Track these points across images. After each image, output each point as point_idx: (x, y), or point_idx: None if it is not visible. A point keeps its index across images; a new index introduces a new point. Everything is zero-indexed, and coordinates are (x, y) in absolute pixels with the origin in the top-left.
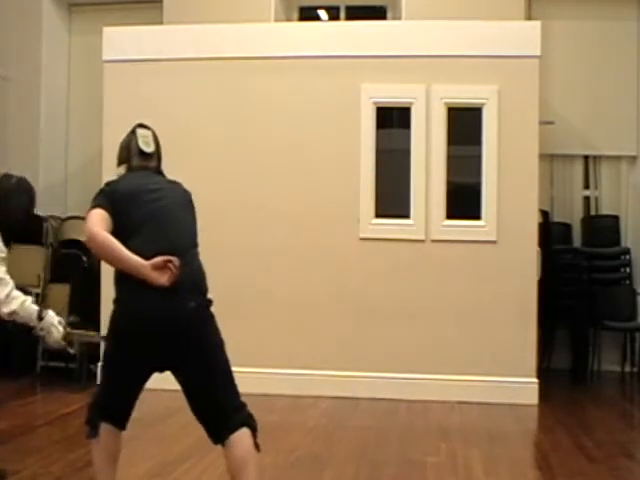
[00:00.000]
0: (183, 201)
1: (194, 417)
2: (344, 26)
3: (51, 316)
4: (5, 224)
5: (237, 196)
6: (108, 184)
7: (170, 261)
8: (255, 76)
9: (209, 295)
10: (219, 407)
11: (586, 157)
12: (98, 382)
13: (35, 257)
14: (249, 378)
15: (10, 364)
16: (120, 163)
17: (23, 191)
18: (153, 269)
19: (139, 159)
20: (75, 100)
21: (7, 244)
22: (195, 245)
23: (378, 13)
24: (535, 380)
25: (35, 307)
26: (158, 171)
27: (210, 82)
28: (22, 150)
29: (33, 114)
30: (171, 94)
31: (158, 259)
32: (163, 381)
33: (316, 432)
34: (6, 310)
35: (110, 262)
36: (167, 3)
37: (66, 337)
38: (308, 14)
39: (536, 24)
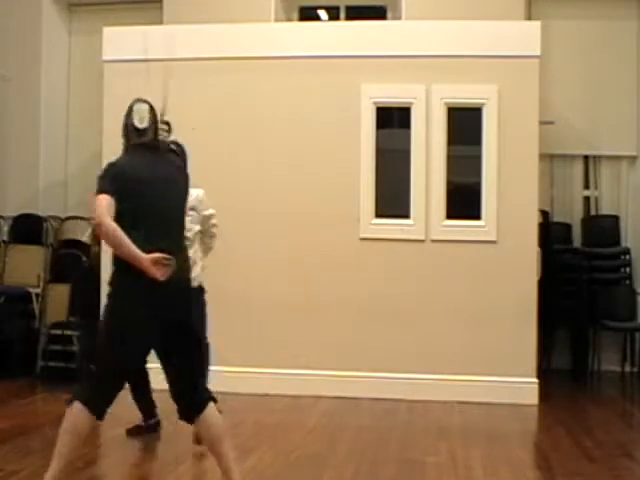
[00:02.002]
0: (177, 186)
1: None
2: (344, 26)
3: None
4: None
5: (236, 196)
6: (112, 165)
7: (167, 258)
8: (255, 76)
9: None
10: None
11: (586, 157)
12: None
13: (35, 257)
14: (249, 378)
15: (10, 364)
16: (124, 142)
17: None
18: (152, 263)
19: (135, 136)
20: (75, 100)
21: None
22: (184, 239)
23: (378, 13)
24: (535, 380)
25: None
26: (154, 145)
27: (210, 82)
28: (22, 150)
29: (33, 114)
30: (171, 94)
31: (156, 255)
32: (163, 381)
33: (316, 432)
34: None
35: (114, 250)
36: (167, 3)
37: None
38: (308, 14)
39: (536, 24)
